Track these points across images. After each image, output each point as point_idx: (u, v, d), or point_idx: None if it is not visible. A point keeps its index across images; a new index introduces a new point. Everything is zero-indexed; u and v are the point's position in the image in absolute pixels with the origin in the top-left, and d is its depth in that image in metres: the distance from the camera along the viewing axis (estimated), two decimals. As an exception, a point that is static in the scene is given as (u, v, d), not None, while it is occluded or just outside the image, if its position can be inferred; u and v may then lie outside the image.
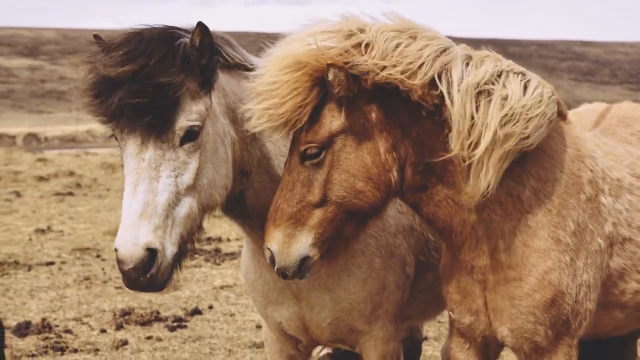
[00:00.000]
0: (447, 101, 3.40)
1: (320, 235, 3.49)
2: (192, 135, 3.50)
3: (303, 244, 3.49)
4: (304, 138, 3.45)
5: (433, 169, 3.50)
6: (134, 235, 3.35)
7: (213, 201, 3.65)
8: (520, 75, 3.55)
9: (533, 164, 3.58)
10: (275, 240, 3.50)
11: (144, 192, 3.41)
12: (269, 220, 3.53)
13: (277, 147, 3.92)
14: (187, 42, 3.55)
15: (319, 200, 3.48)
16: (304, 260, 3.51)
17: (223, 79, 3.72)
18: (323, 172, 3.48)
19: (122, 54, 3.49)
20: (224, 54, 3.74)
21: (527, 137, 3.47)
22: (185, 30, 3.67)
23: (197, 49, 3.54)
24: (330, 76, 3.36)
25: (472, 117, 3.42)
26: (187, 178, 3.51)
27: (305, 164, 3.48)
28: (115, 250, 3.38)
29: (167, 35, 3.58)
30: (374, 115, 3.44)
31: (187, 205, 3.52)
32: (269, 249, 3.53)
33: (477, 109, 3.43)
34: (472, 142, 3.41)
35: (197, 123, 3.51)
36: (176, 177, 3.49)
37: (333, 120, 3.44)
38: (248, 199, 3.86)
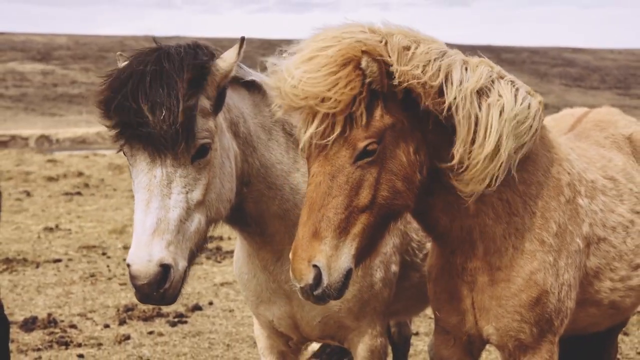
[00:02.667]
0: (451, 102, 3.37)
1: (359, 244, 3.30)
2: (203, 152, 3.54)
3: (347, 255, 3.27)
4: (363, 133, 3.26)
5: (440, 174, 3.49)
6: (148, 252, 3.38)
7: (219, 215, 3.70)
8: (510, 84, 3.59)
9: (519, 168, 3.64)
10: (323, 254, 3.21)
11: (156, 209, 3.43)
12: (307, 234, 3.24)
13: (274, 156, 3.98)
14: (210, 66, 3.58)
15: (367, 203, 3.29)
16: (349, 274, 3.28)
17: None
18: (374, 171, 3.30)
19: (138, 73, 3.51)
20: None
21: (518, 150, 3.53)
22: (199, 48, 3.68)
23: (224, 73, 3.60)
24: (363, 64, 3.25)
25: (476, 120, 3.43)
26: (197, 194, 3.54)
27: (358, 164, 3.27)
28: (128, 265, 3.41)
29: (186, 56, 3.59)
30: (405, 115, 3.37)
31: (197, 220, 3.55)
32: (316, 265, 3.22)
33: (479, 112, 3.44)
34: (475, 146, 3.41)
35: (207, 140, 3.55)
36: (187, 193, 3.51)
37: (383, 115, 3.32)
38: (247, 207, 3.93)
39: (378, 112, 3.29)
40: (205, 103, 3.59)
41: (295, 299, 4.14)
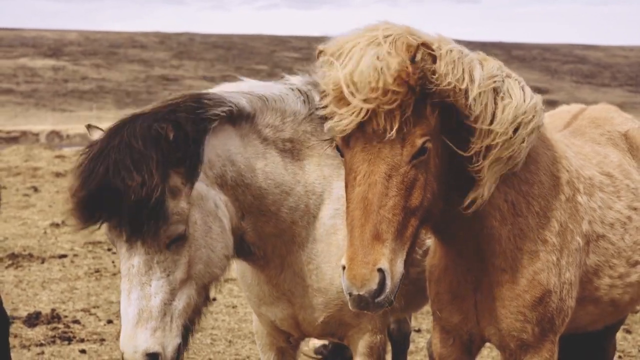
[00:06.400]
0: (472, 102, 3.30)
1: (409, 248, 3.17)
2: (177, 236, 3.53)
3: (402, 259, 3.14)
4: (420, 131, 3.16)
5: (452, 178, 3.42)
6: (133, 343, 3.45)
7: (214, 277, 3.73)
8: (517, 82, 3.54)
9: (521, 168, 3.61)
10: (386, 257, 3.05)
11: (137, 299, 3.47)
12: (367, 236, 3.07)
13: (273, 180, 3.91)
14: (165, 141, 3.50)
15: (418, 205, 3.19)
16: (402, 279, 3.14)
17: (207, 146, 3.66)
18: (424, 171, 3.20)
19: (99, 169, 3.49)
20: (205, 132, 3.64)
21: (521, 152, 3.49)
22: (177, 115, 3.58)
23: (171, 144, 3.51)
24: (419, 56, 3.15)
25: (492, 119, 3.37)
26: (179, 274, 3.55)
27: (413, 162, 3.16)
28: (122, 352, 3.50)
29: (146, 140, 3.50)
30: (438, 118, 3.28)
31: (185, 296, 3.58)
32: (380, 269, 3.05)
33: (494, 111, 3.38)
34: (486, 145, 3.35)
35: (180, 226, 3.53)
36: (168, 275, 3.53)
37: (431, 113, 3.23)
38: (248, 238, 3.92)
39: (428, 110, 3.20)
40: (172, 181, 3.53)
41: (297, 303, 4.15)
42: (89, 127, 3.82)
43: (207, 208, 3.66)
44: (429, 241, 4.16)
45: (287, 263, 4.07)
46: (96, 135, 3.72)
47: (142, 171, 3.44)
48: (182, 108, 3.65)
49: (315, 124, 4.03)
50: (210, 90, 4.01)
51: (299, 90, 4.10)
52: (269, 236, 3.99)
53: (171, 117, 3.57)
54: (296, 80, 4.22)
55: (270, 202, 3.91)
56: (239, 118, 3.84)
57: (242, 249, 3.94)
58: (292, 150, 4.01)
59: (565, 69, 62.17)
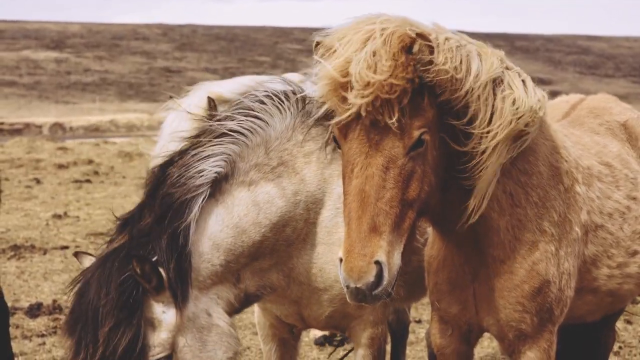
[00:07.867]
0: (468, 91, 3.27)
1: (406, 240, 3.17)
2: None
3: (399, 251, 3.13)
4: (417, 122, 3.15)
5: (450, 171, 3.41)
6: None
7: None
8: (518, 74, 3.51)
9: (520, 159, 3.60)
10: (383, 249, 3.04)
11: None
12: (365, 229, 3.06)
13: (268, 226, 3.84)
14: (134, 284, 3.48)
15: (415, 197, 3.19)
16: (399, 271, 3.14)
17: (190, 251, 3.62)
18: (421, 163, 3.19)
19: (74, 332, 3.55)
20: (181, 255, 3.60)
21: (526, 139, 3.46)
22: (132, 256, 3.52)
23: (142, 277, 3.49)
24: (416, 48, 3.12)
25: (492, 112, 3.33)
26: None
27: (410, 154, 3.15)
28: None
29: (111, 285, 3.50)
30: (436, 110, 3.25)
31: None
32: (377, 262, 3.05)
33: (494, 103, 3.34)
34: (488, 136, 3.31)
35: (161, 355, 3.53)
36: None
37: (429, 105, 3.21)
38: (251, 290, 3.90)
39: (425, 102, 3.18)
40: (153, 311, 3.54)
41: (303, 303, 4.17)
42: (76, 255, 3.82)
43: (198, 324, 3.66)
44: (430, 228, 4.16)
45: (291, 278, 4.06)
46: (86, 262, 3.72)
47: (115, 323, 3.44)
48: (153, 236, 3.58)
49: (310, 127, 3.95)
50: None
51: (292, 97, 3.96)
52: (270, 267, 3.97)
53: (135, 253, 3.54)
54: (292, 77, 4.15)
55: (264, 246, 3.87)
56: (216, 187, 3.75)
57: (248, 302, 3.93)
58: (285, 171, 3.91)
59: (568, 59, 62.05)
